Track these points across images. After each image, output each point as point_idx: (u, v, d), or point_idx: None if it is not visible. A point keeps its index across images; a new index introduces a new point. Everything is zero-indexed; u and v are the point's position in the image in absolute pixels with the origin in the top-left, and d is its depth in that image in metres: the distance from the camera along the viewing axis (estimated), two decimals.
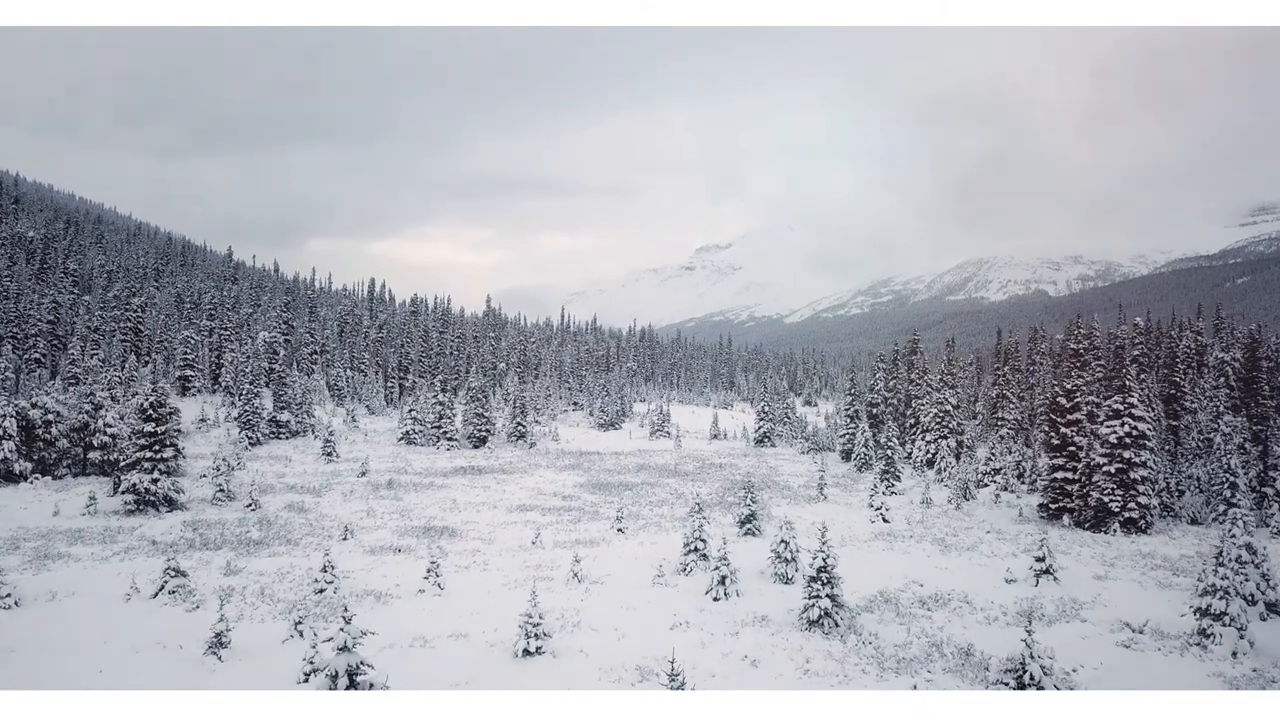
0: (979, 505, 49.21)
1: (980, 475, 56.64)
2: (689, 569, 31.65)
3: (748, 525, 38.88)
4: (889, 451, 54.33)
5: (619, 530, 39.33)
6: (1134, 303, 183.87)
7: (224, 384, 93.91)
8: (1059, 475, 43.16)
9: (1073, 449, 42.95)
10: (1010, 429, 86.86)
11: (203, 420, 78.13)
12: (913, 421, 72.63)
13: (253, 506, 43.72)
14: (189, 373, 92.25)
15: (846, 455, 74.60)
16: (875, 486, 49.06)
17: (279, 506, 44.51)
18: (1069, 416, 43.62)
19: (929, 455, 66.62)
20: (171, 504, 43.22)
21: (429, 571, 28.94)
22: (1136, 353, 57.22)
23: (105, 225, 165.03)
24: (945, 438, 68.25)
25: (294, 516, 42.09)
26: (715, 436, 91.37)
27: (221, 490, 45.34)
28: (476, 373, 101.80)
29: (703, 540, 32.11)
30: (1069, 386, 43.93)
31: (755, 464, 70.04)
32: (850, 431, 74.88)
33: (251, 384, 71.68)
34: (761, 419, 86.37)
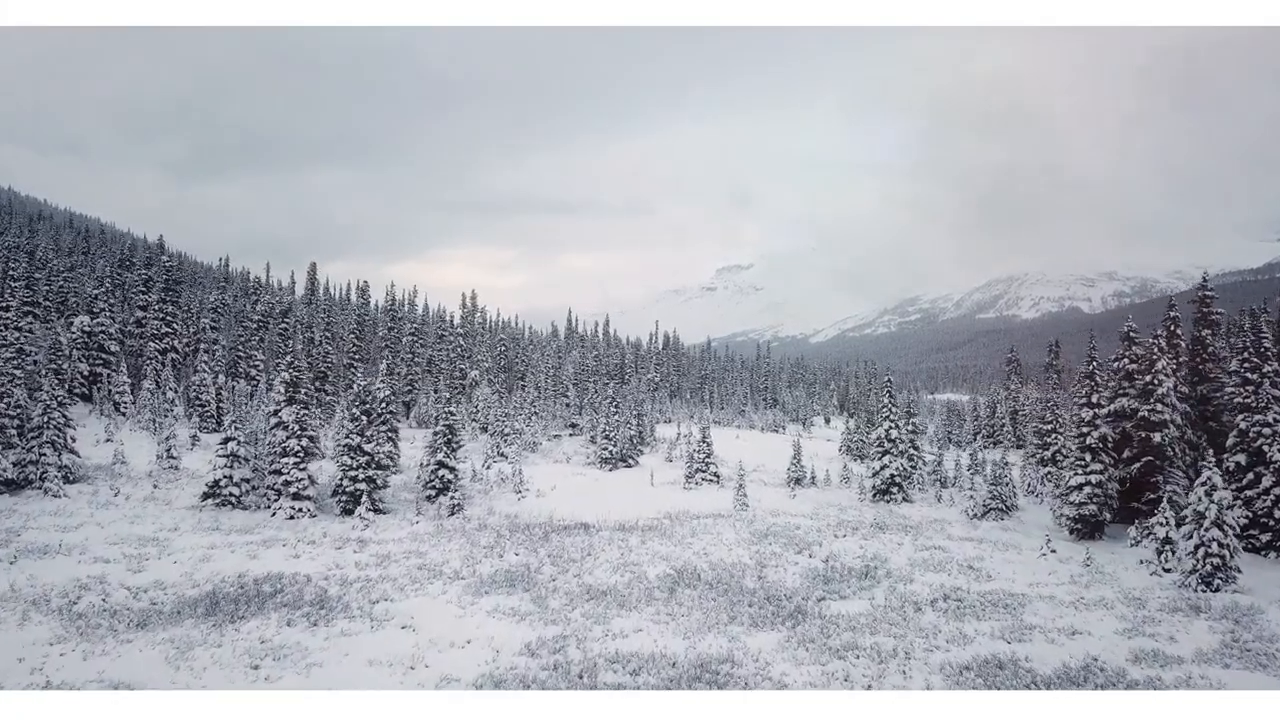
0: None
1: None
2: None
3: None
4: None
5: None
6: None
7: None
8: None
9: None
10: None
11: None
12: (1236, 451, 34.84)
13: None
14: None
15: (1082, 528, 37.22)
16: None
17: None
18: None
19: None
20: None
21: None
22: None
23: (22, 216, 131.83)
24: None
25: None
26: (797, 481, 53.85)
27: None
28: (395, 373, 64.82)
29: None
30: None
31: (918, 555, 32.86)
32: (1089, 480, 37.33)
33: None
34: (882, 453, 49.08)
